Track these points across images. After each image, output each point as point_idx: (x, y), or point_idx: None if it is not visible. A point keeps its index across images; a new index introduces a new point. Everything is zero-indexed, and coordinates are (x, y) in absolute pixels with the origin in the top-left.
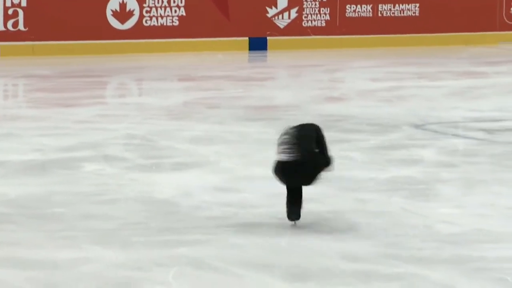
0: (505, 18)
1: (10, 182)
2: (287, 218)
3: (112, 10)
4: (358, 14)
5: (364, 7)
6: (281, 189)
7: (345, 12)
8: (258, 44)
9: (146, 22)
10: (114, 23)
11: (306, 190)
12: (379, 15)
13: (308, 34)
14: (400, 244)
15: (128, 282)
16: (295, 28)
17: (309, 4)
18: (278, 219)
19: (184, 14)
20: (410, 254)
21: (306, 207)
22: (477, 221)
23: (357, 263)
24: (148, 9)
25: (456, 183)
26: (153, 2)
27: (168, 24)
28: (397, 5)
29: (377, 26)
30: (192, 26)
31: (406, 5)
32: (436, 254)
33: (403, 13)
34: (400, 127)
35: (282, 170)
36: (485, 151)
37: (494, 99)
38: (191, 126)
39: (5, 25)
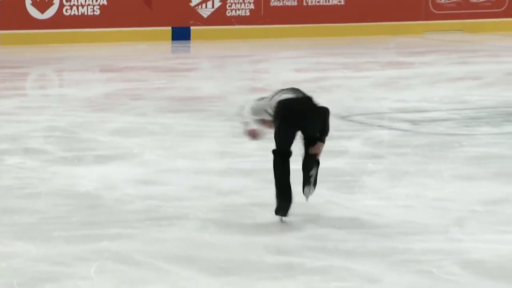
0: (431, 7)
1: None
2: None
3: None
4: (283, 3)
5: None
6: (206, 182)
7: (270, 1)
8: (181, 34)
9: (67, 11)
10: (34, 12)
11: (230, 182)
12: (304, 4)
13: (232, 24)
14: (326, 237)
15: (49, 277)
16: (219, 18)
17: None
18: (203, 212)
19: (105, 3)
20: (335, 246)
21: (229, 200)
22: (402, 213)
23: (281, 255)
24: None
25: (381, 175)
26: None
27: (89, 13)
28: None
29: (302, 15)
30: (114, 16)
31: None
32: (362, 247)
33: (329, 2)
34: None
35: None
36: (410, 142)
37: (419, 90)
38: (113, 118)
39: None
